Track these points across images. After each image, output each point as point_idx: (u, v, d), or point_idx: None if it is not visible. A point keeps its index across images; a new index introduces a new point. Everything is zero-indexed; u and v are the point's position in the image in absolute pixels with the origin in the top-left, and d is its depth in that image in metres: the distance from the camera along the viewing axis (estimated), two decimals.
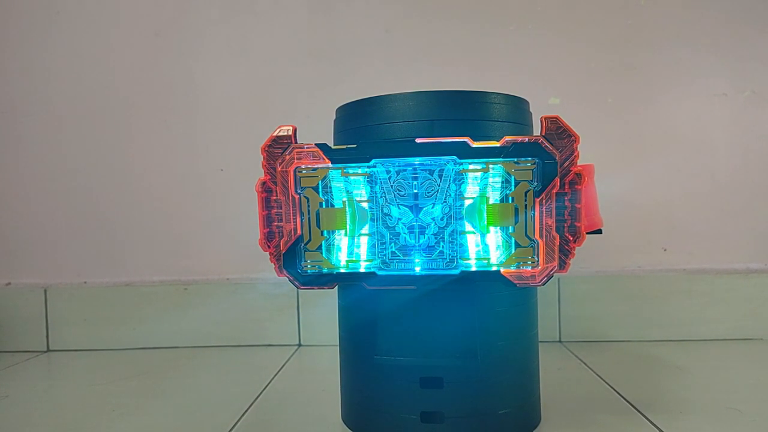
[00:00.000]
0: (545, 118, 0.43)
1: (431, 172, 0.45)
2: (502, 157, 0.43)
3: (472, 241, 0.45)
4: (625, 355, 0.76)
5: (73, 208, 0.89)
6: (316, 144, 0.45)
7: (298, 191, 0.46)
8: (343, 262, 0.47)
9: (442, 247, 0.45)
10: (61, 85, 0.89)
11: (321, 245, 0.46)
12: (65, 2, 0.88)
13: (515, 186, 0.44)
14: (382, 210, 0.46)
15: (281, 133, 0.45)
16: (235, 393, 0.64)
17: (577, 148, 0.43)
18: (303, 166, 0.45)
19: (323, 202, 0.46)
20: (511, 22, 0.84)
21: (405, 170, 0.45)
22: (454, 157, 0.44)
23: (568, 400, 0.59)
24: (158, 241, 0.89)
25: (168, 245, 0.89)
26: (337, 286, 0.50)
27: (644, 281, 0.83)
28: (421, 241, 0.45)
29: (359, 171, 0.45)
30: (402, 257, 0.46)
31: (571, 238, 0.43)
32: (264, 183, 0.45)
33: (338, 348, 0.54)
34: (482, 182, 0.45)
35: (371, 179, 0.46)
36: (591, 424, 0.52)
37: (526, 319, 0.50)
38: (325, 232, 0.46)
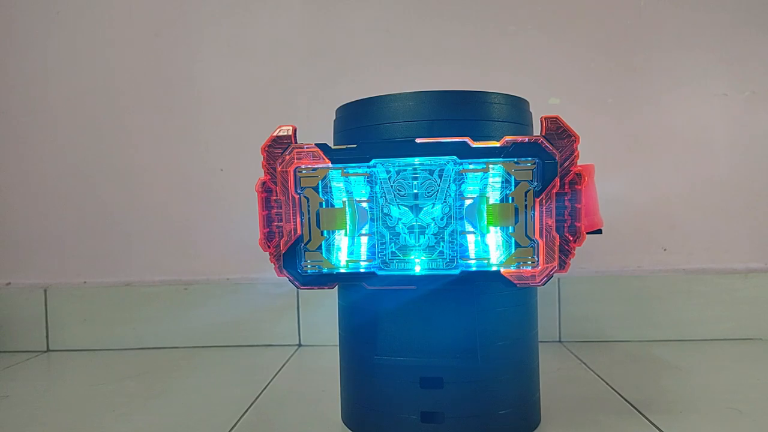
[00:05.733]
0: (545, 118, 0.43)
1: (431, 172, 0.45)
2: (502, 157, 0.43)
3: (472, 241, 0.45)
4: (625, 355, 0.76)
5: (73, 208, 0.89)
6: (316, 144, 0.45)
7: (298, 191, 0.46)
8: (343, 262, 0.47)
9: (442, 247, 0.45)
10: (61, 85, 0.89)
11: (321, 245, 0.46)
12: (65, 2, 0.88)
13: (515, 186, 0.44)
14: (382, 210, 0.46)
15: (281, 133, 0.45)
16: (235, 393, 0.64)
17: (577, 148, 0.43)
18: (303, 166, 0.45)
19: (323, 202, 0.46)
20: (511, 23, 0.84)
21: (405, 170, 0.45)
22: (454, 157, 0.44)
23: (568, 400, 0.59)
24: (158, 241, 0.89)
25: (168, 245, 0.89)
26: (337, 286, 0.50)
27: (644, 281, 0.83)
28: (421, 241, 0.45)
29: (359, 171, 0.45)
30: (402, 257, 0.46)
31: (571, 238, 0.43)
32: (264, 183, 0.45)
33: (338, 348, 0.54)
34: (482, 182, 0.45)
35: (371, 179, 0.46)
36: (591, 424, 0.52)
37: (526, 319, 0.50)
38: (325, 232, 0.46)
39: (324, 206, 0.46)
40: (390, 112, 0.47)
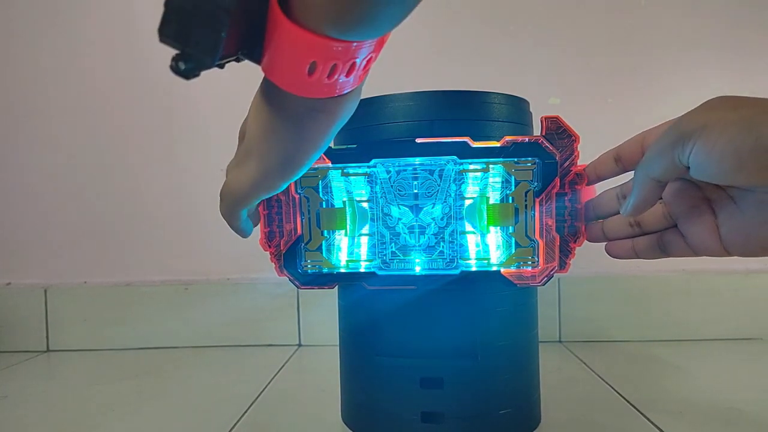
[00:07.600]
0: (545, 118, 0.43)
1: (431, 172, 0.45)
2: (502, 157, 0.43)
3: (472, 241, 0.45)
4: (625, 355, 0.76)
5: (74, 209, 0.89)
6: None
7: (299, 191, 0.46)
8: (343, 262, 0.47)
9: (442, 247, 0.45)
10: (61, 85, 0.88)
11: (321, 245, 0.46)
12: (65, 3, 0.88)
13: (515, 186, 0.44)
14: (382, 210, 0.46)
15: None
16: (235, 393, 0.64)
17: (577, 148, 0.43)
18: None
19: (323, 202, 0.46)
20: (511, 23, 0.84)
21: (405, 170, 0.45)
22: (454, 157, 0.44)
23: (568, 400, 0.59)
24: (158, 241, 0.89)
25: (168, 245, 0.89)
26: (337, 286, 0.50)
27: (644, 281, 0.83)
28: (421, 241, 0.45)
29: (359, 171, 0.45)
30: (402, 257, 0.46)
31: (572, 238, 0.43)
32: None
33: (338, 348, 0.54)
34: (482, 182, 0.45)
35: (371, 179, 0.46)
36: (591, 424, 0.52)
37: (526, 319, 0.50)
38: (325, 232, 0.46)
39: (324, 206, 0.46)
40: (390, 112, 0.47)
